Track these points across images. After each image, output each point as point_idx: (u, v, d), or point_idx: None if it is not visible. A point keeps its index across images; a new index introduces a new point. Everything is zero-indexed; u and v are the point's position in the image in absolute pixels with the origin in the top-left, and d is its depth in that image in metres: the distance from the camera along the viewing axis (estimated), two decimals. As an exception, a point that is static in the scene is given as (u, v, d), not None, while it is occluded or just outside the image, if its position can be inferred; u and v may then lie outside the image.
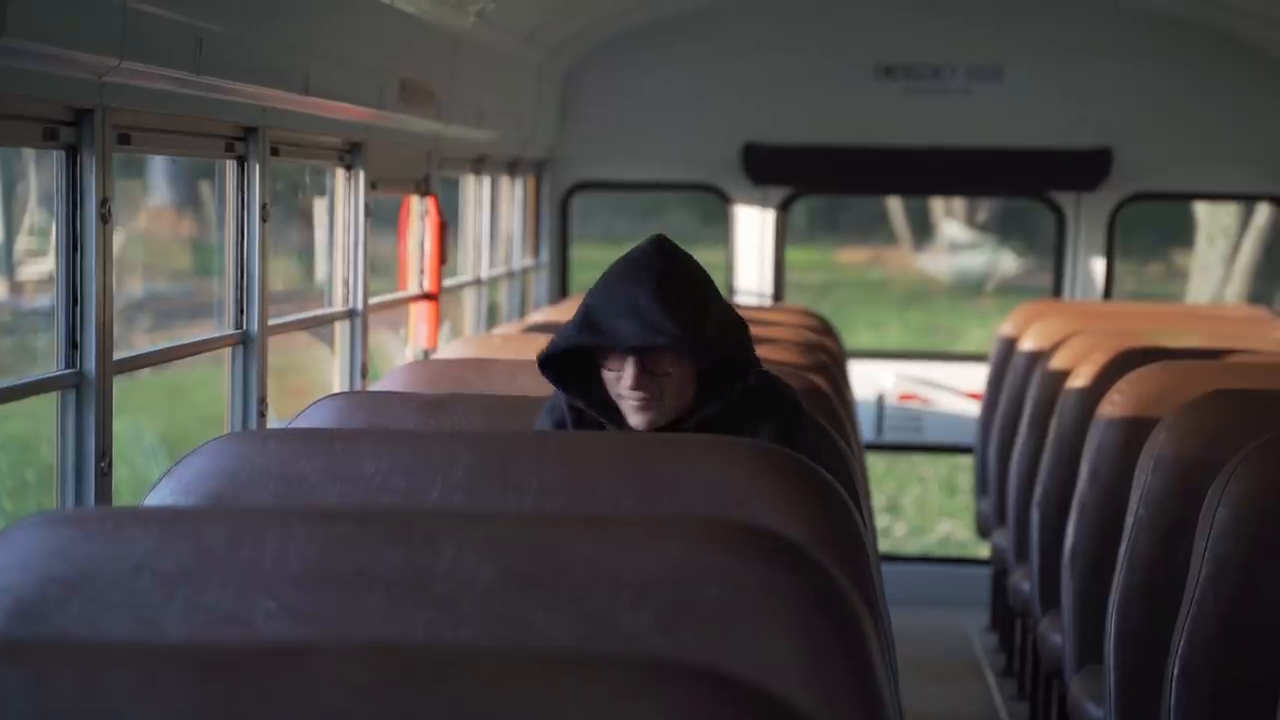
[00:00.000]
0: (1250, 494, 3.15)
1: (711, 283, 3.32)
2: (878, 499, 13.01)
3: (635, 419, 3.23)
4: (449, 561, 2.04)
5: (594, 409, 3.26)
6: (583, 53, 8.17)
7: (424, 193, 5.98)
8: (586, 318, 3.20)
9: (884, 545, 12.04)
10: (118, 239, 3.46)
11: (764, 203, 8.40)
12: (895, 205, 17.70)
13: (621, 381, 3.19)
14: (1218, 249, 13.24)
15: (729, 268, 8.46)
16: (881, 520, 13.82)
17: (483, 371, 4.11)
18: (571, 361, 3.26)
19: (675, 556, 2.04)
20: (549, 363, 3.24)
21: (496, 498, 2.58)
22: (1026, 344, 6.89)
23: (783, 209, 8.44)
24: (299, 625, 2.02)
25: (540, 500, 2.57)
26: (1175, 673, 3.29)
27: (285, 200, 5.74)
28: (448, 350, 5.03)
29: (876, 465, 12.01)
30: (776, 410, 3.28)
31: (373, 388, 4.35)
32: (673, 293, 3.20)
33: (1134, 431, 4.30)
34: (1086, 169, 8.14)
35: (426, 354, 5.91)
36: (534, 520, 2.16)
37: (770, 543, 2.08)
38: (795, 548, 2.09)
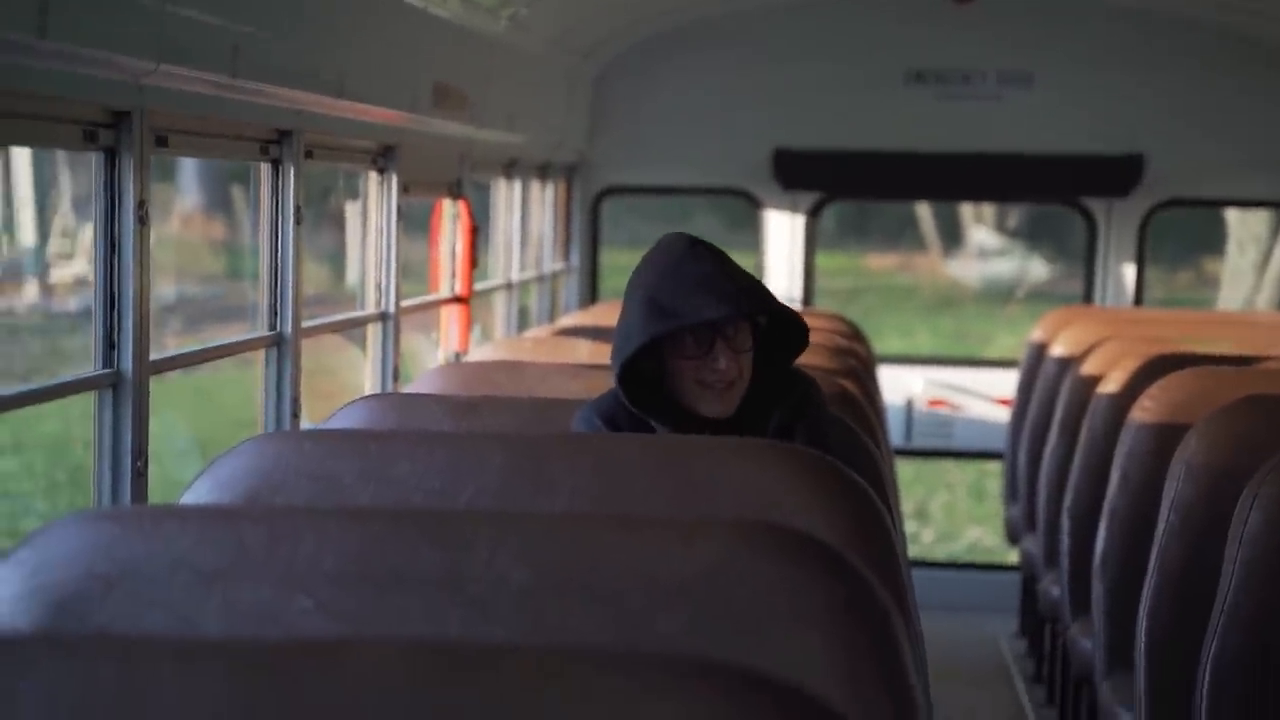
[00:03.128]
0: (1282, 499, 3.15)
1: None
2: (906, 505, 12.99)
3: (717, 406, 3.20)
4: (483, 561, 2.06)
5: (655, 415, 3.22)
6: (613, 57, 8.18)
7: (455, 196, 6.00)
8: (655, 307, 3.15)
9: (913, 551, 12.02)
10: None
11: (794, 208, 8.40)
12: (924, 211, 17.68)
13: (712, 364, 3.15)
14: (1249, 256, 13.20)
15: (758, 272, 8.46)
16: (910, 526, 13.81)
17: (514, 374, 4.13)
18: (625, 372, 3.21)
19: (708, 558, 2.05)
20: (625, 369, 3.18)
21: (529, 499, 2.59)
22: (1057, 350, 6.88)
23: (813, 214, 8.44)
24: (334, 623, 2.04)
25: (573, 501, 2.59)
26: (1206, 679, 3.28)
27: (318, 203, 5.76)
28: (479, 353, 5.04)
29: (905, 471, 11.99)
30: (789, 395, 3.29)
31: (404, 390, 4.37)
32: (733, 266, 3.21)
33: (1165, 437, 4.29)
34: (1118, 175, 8.13)
35: (458, 357, 5.93)
36: (567, 521, 2.17)
37: (802, 544, 2.09)
38: (826, 549, 2.10)
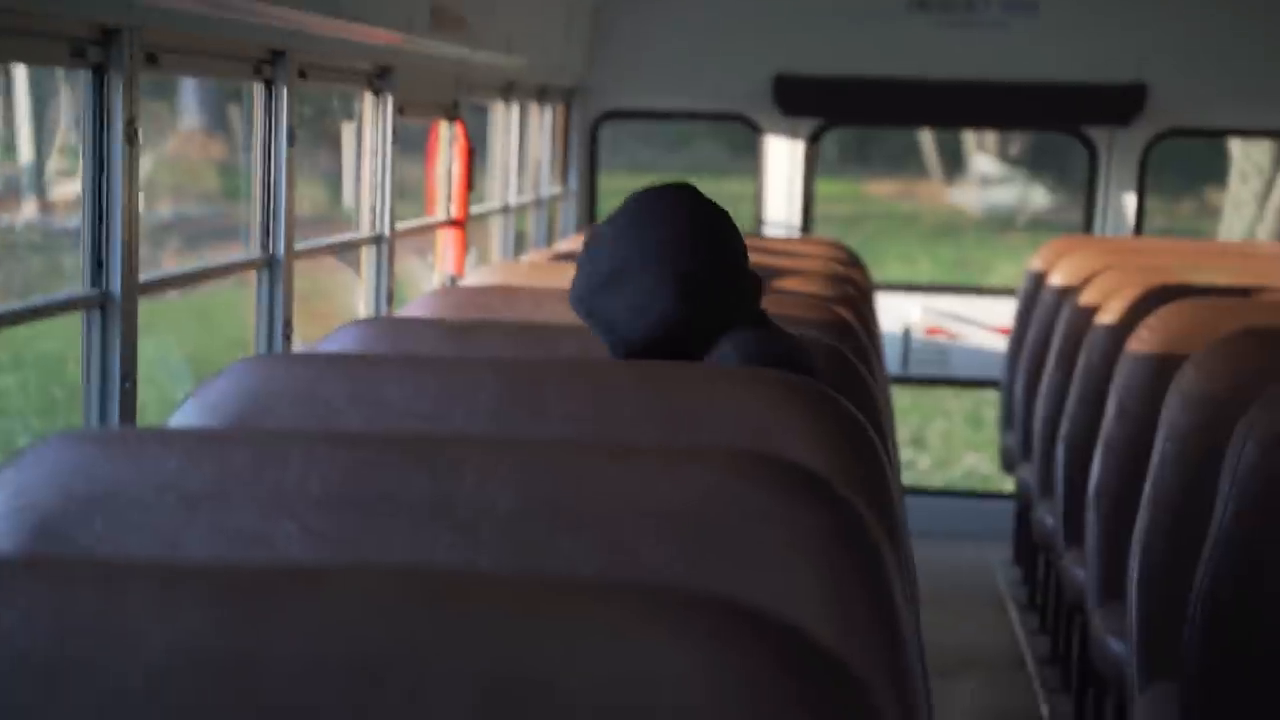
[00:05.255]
0: (1278, 432, 3.13)
1: (720, 234, 3.07)
2: (902, 432, 13.01)
3: None
4: (471, 487, 2.04)
5: None
6: (614, -20, 8.12)
7: (452, 118, 5.95)
8: (614, 276, 3.04)
9: (908, 478, 12.05)
10: (146, 161, 3.45)
11: (794, 134, 8.35)
12: (926, 138, 17.60)
13: None
14: (1251, 186, 13.15)
15: (757, 199, 8.43)
16: (906, 454, 13.82)
17: (509, 299, 4.10)
18: None
19: (698, 487, 2.03)
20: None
21: (521, 425, 2.57)
22: (1055, 279, 6.86)
23: (813, 140, 8.40)
24: (320, 547, 2.03)
25: (564, 428, 2.57)
26: (1197, 609, 3.28)
27: (315, 124, 5.72)
28: (474, 277, 5.02)
29: (902, 398, 11.99)
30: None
31: (398, 314, 4.35)
32: (692, 283, 3.01)
33: (1162, 368, 4.27)
34: (1120, 104, 8.08)
35: (453, 281, 5.90)
36: (557, 448, 2.15)
37: (793, 474, 2.07)
38: (818, 480, 2.08)
